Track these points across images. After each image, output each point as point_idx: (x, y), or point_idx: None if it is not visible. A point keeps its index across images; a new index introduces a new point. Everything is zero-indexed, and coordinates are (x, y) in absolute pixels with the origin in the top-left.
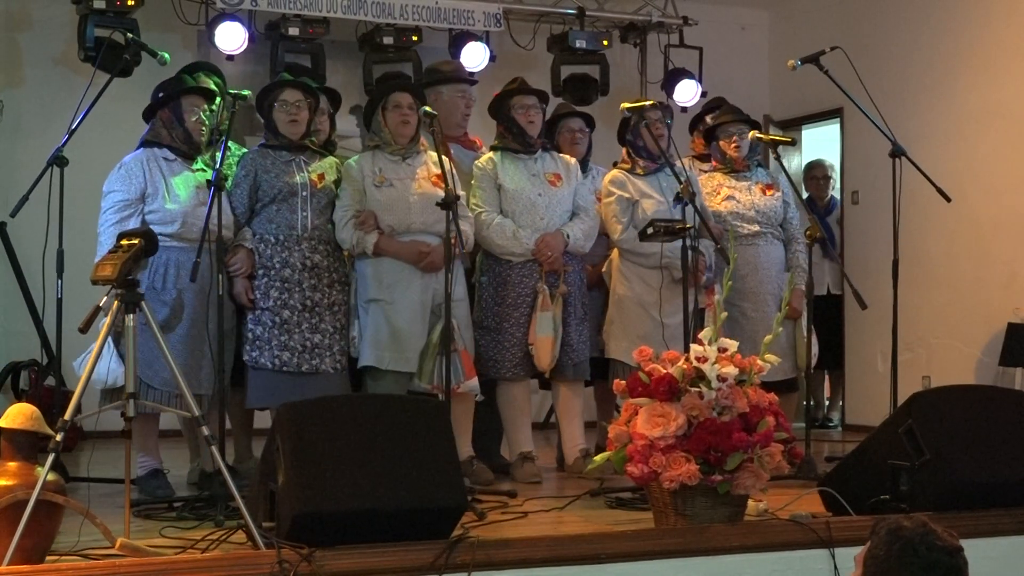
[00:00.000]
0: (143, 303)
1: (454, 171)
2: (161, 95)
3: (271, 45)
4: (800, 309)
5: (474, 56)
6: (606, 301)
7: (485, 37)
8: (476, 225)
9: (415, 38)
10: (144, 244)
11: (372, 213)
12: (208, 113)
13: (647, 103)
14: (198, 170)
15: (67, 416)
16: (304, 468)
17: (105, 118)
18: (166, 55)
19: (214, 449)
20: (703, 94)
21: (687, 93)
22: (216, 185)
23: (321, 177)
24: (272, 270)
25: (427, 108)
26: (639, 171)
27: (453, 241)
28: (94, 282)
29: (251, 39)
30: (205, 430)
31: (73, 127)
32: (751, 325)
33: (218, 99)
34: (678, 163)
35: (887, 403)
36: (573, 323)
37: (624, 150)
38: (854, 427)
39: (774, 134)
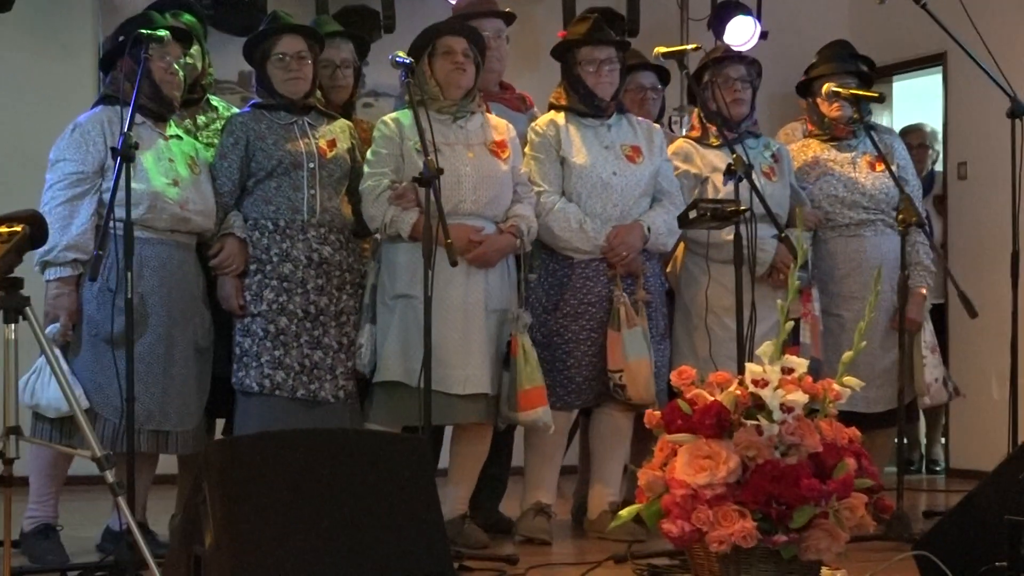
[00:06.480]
0: (27, 309)
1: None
2: (120, 39)
3: None
4: (919, 320)
5: None
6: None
7: None
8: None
9: None
10: (29, 231)
11: (413, 186)
12: (183, 62)
13: (688, 48)
14: (172, 137)
15: None
16: (239, 527)
17: None
18: None
19: (121, 501)
20: (763, 35)
21: (741, 34)
22: (124, 156)
23: (332, 144)
24: (268, 265)
25: (400, 53)
26: (712, 141)
27: (437, 227)
28: None
29: None
30: (110, 476)
31: None
32: (851, 339)
33: (194, 45)
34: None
35: (1004, 441)
36: (655, 341)
37: (695, 113)
38: (960, 472)
39: (857, 88)
